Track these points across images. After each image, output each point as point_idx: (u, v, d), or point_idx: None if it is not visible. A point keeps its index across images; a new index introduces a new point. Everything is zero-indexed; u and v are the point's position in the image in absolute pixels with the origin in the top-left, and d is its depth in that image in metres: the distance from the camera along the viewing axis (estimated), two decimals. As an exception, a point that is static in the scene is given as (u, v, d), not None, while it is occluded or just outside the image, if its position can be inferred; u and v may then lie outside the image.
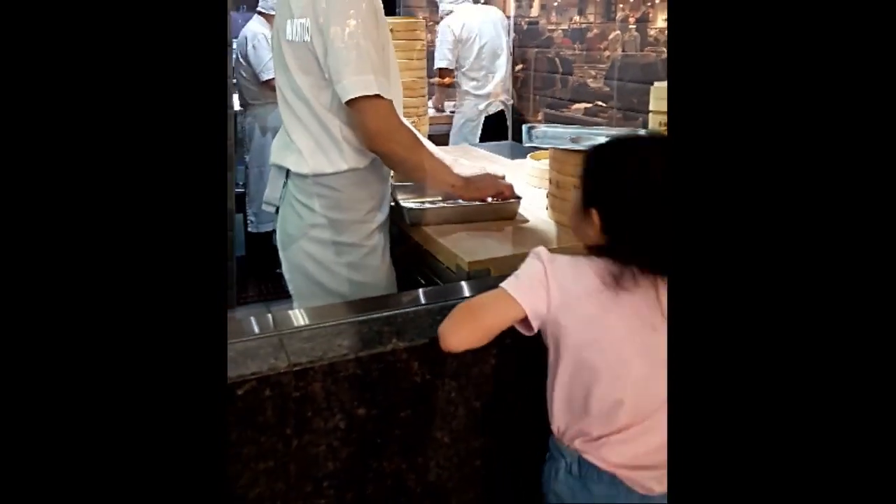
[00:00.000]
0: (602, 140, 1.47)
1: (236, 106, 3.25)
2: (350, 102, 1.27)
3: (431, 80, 3.49)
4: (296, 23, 1.29)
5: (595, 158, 0.96)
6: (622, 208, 0.89)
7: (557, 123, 4.22)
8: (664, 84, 1.52)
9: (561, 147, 1.44)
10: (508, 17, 4.60)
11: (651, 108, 1.53)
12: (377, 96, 1.27)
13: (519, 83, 5.06)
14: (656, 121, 1.52)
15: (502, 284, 0.93)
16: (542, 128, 1.56)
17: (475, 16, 3.33)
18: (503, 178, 1.54)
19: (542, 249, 0.94)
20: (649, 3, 4.46)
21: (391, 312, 1.09)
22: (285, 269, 1.49)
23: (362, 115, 1.28)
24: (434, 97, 3.59)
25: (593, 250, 0.93)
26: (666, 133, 1.48)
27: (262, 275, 3.15)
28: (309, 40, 1.28)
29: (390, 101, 1.31)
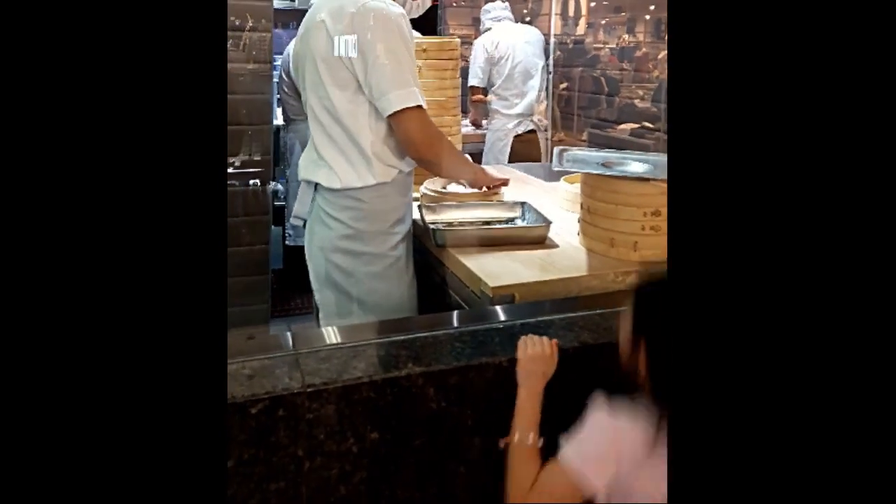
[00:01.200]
0: (636, 167, 1.43)
1: (279, 121, 3.32)
2: (394, 115, 1.34)
3: (474, 98, 3.51)
4: (340, 40, 1.32)
5: (644, 305, 0.91)
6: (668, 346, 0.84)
7: (600, 144, 4.17)
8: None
9: (592, 172, 1.41)
10: (554, 36, 4.58)
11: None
12: (419, 107, 1.35)
13: (563, 102, 5.02)
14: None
15: (566, 452, 0.87)
16: (573, 151, 1.53)
17: (511, 35, 3.32)
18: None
19: (600, 405, 0.88)
20: (700, 23, 4.36)
21: (410, 336, 1.07)
22: (313, 280, 1.53)
23: (408, 125, 1.35)
24: (470, 114, 3.60)
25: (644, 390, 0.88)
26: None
27: (300, 288, 3.18)
28: (350, 57, 1.32)
29: (426, 112, 1.38)
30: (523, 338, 1.01)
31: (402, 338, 1.07)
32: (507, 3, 3.40)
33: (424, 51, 1.99)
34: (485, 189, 1.68)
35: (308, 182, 1.47)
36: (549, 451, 0.95)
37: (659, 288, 0.91)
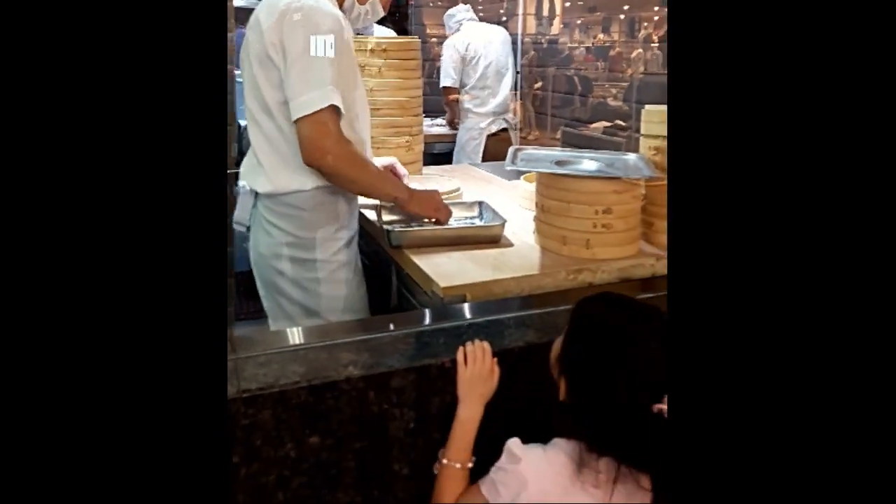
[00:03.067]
0: (588, 165, 1.43)
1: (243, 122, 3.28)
2: (297, 119, 1.29)
3: (450, 99, 3.49)
4: (270, 38, 1.30)
5: (574, 322, 0.90)
6: (586, 386, 0.84)
7: (573, 143, 4.18)
8: (657, 107, 1.48)
9: (545, 170, 1.40)
10: (527, 36, 4.59)
11: (642, 131, 1.49)
12: (322, 111, 1.27)
13: (537, 102, 5.03)
14: (647, 145, 1.47)
15: (485, 493, 0.88)
16: (528, 150, 1.53)
17: (480, 35, 3.33)
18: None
19: (514, 446, 0.87)
20: (673, 22, 4.40)
21: (353, 339, 1.06)
22: (259, 288, 1.51)
23: (301, 132, 1.29)
24: (447, 115, 3.58)
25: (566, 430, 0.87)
26: (657, 164, 1.44)
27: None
28: (277, 56, 1.30)
29: (332, 116, 1.29)
30: (462, 350, 1.00)
31: (345, 341, 1.06)
32: (469, 6, 3.40)
33: (385, 51, 1.98)
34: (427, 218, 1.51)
35: (248, 189, 1.44)
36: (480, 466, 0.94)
37: (585, 318, 0.90)
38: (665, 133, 1.41)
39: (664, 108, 1.47)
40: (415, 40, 1.98)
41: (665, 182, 1.41)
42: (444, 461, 0.94)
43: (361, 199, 1.52)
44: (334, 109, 1.28)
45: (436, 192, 1.56)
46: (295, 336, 1.08)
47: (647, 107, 1.48)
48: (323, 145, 1.29)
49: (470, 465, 0.94)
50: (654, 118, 1.45)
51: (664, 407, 0.78)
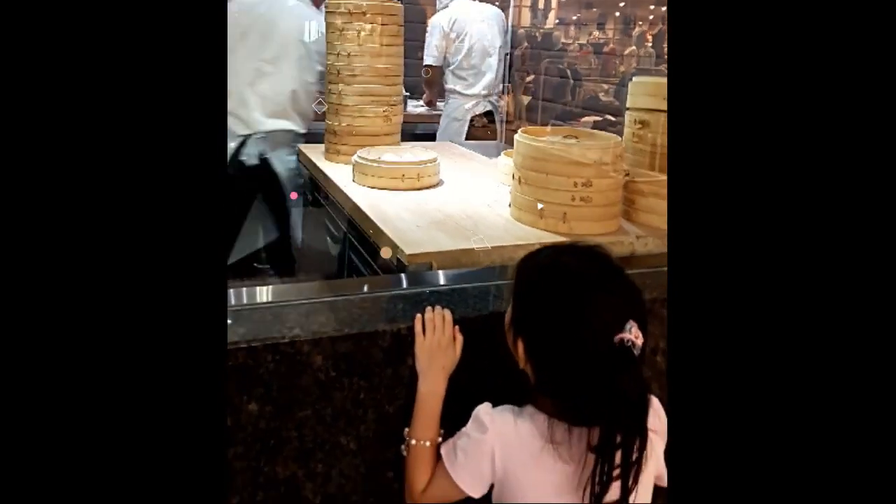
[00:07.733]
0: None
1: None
2: None
3: (431, 78, 3.38)
4: None
5: (522, 277, 0.82)
6: (547, 344, 0.77)
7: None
8: (644, 79, 1.40)
9: (523, 140, 1.32)
10: (522, 28, 4.51)
11: (628, 104, 1.42)
12: None
13: (529, 94, 4.97)
14: (632, 118, 1.40)
15: (444, 458, 0.83)
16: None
17: (468, 12, 3.17)
18: None
19: (482, 412, 0.81)
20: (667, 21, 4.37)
21: (303, 301, 0.98)
22: None
23: None
24: (425, 95, 3.48)
25: (536, 399, 0.81)
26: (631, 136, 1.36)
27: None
28: None
29: None
30: (419, 318, 0.92)
31: (294, 302, 0.97)
32: None
33: (364, 14, 1.88)
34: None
35: None
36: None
37: (532, 270, 0.82)
38: (651, 105, 1.34)
39: (652, 79, 1.40)
40: (396, 4, 1.88)
41: (648, 159, 1.34)
42: (411, 441, 0.87)
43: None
44: None
45: None
46: (241, 296, 0.99)
47: (634, 78, 1.40)
48: None
49: (439, 440, 0.87)
50: (641, 90, 1.38)
51: (625, 335, 0.71)
